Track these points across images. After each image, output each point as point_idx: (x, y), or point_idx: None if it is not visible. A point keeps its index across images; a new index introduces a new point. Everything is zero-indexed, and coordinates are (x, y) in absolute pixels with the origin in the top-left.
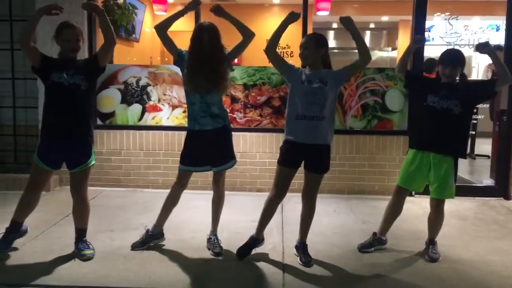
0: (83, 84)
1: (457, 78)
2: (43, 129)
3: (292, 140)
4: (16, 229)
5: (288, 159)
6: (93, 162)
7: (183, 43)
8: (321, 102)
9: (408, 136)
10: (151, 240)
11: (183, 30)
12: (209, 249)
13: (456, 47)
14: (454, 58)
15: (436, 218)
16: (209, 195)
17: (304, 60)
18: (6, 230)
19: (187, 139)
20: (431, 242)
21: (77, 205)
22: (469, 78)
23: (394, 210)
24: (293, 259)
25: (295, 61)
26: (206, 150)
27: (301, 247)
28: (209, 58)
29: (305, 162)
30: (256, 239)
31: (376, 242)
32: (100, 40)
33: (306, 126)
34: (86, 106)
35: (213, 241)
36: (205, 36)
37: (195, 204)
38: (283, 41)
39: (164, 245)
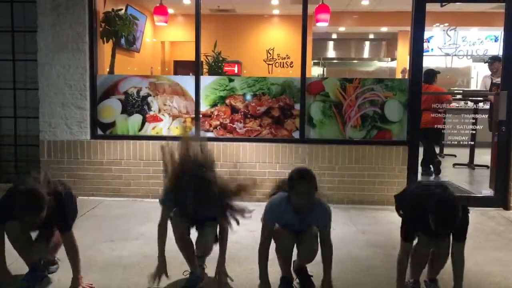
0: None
1: None
2: None
3: None
4: None
5: None
6: None
7: (183, 53)
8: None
9: (407, 147)
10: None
11: (183, 41)
12: None
13: (455, 58)
14: (448, 222)
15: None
16: None
17: (304, 208)
18: None
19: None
20: (432, 280)
21: None
22: (467, 89)
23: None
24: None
25: (295, 72)
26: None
27: None
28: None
29: None
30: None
31: None
32: (100, 46)
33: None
34: None
35: None
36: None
37: None
38: (282, 51)
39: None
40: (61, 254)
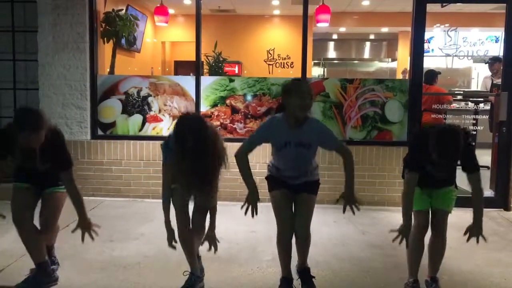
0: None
1: None
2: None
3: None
4: None
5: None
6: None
7: (183, 54)
8: (304, 164)
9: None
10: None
11: (183, 41)
12: None
13: (455, 59)
14: (453, 151)
15: (442, 243)
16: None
17: (304, 112)
18: None
19: None
20: (433, 280)
21: None
22: (468, 89)
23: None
24: (292, 270)
25: (296, 72)
26: None
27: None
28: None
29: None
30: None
31: None
32: (100, 46)
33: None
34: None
35: None
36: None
37: None
38: (283, 51)
39: (165, 255)
40: (61, 253)
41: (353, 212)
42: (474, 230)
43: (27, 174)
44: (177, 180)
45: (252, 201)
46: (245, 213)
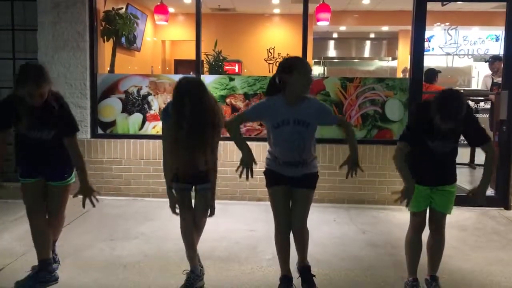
0: (51, 134)
1: None
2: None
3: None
4: None
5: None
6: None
7: (183, 52)
8: (302, 145)
9: None
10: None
11: (183, 40)
12: None
13: (456, 57)
14: (456, 113)
15: (440, 242)
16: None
17: (307, 89)
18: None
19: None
20: (433, 278)
21: None
22: (468, 88)
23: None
24: (292, 269)
25: None
26: None
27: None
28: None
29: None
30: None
31: None
32: (100, 45)
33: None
34: (59, 148)
35: None
36: (185, 99)
37: None
38: (283, 50)
39: (165, 254)
40: (61, 251)
41: (351, 175)
42: (478, 192)
43: (32, 158)
44: (173, 148)
45: (246, 163)
46: (240, 176)
